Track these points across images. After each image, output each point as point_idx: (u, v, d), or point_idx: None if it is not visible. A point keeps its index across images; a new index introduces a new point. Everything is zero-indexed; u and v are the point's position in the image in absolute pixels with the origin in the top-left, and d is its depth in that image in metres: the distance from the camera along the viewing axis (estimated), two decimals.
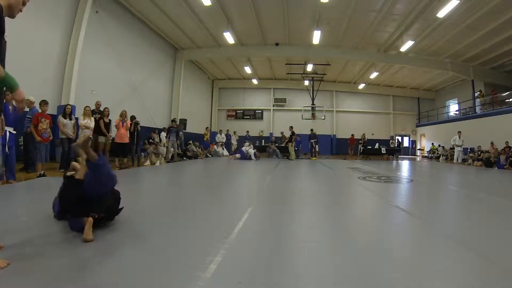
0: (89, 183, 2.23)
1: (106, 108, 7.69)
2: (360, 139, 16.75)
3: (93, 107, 7.58)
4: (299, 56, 15.76)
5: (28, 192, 4.00)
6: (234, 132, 17.67)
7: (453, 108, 19.83)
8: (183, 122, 15.15)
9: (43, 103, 5.66)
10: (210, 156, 13.98)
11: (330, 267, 1.76)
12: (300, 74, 17.96)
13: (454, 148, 13.89)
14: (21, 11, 1.87)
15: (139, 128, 8.51)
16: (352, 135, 18.00)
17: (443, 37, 12.64)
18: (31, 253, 1.80)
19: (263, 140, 19.02)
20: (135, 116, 8.58)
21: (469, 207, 3.94)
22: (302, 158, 14.48)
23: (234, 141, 17.01)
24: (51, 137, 5.78)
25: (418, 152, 22.02)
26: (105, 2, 9.93)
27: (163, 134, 10.92)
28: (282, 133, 15.88)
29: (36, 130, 5.42)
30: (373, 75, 18.04)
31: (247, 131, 18.42)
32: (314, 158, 14.36)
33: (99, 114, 7.50)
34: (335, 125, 21.94)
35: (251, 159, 12.61)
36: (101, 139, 7.34)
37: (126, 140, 7.88)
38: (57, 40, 8.27)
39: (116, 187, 2.59)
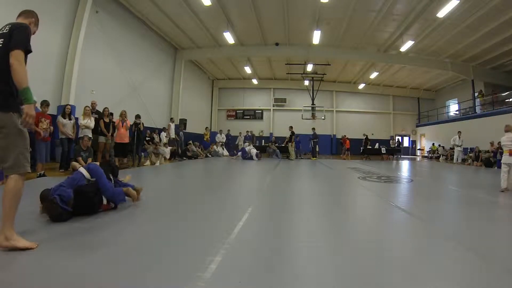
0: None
1: (106, 108, 7.68)
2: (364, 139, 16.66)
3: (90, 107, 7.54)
4: (299, 56, 15.76)
5: (28, 192, 3.99)
6: (240, 133, 17.49)
7: (453, 108, 19.83)
8: (183, 122, 15.15)
9: (44, 104, 5.67)
10: (210, 156, 13.98)
11: (330, 267, 1.76)
12: (300, 74, 17.96)
13: (454, 148, 13.89)
14: None
15: (142, 128, 8.50)
16: (344, 135, 17.95)
17: (443, 37, 12.64)
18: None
19: (263, 140, 18.99)
20: (139, 115, 8.58)
21: (469, 207, 3.94)
22: (302, 158, 14.48)
23: (240, 142, 16.79)
24: (51, 130, 5.79)
25: (418, 152, 22.02)
26: (105, 2, 9.93)
27: (163, 134, 10.94)
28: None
29: (37, 129, 5.43)
30: (373, 75, 18.03)
31: (251, 131, 18.28)
32: (314, 158, 14.36)
33: (96, 114, 7.47)
34: (335, 125, 21.95)
35: (252, 159, 12.59)
36: (101, 139, 7.34)
37: (126, 140, 7.88)
38: (57, 40, 8.26)
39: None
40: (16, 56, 1.92)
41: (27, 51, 2.03)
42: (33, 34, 2.21)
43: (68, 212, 2.53)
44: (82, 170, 2.95)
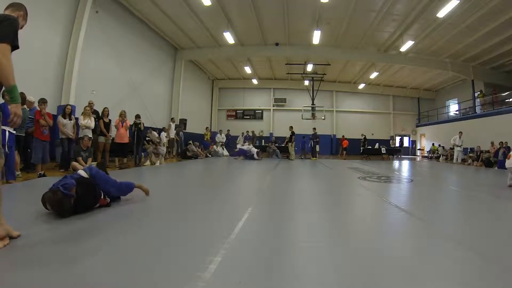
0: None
1: (105, 108, 7.68)
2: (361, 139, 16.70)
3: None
4: (299, 56, 15.76)
5: (28, 192, 4.00)
6: (242, 133, 17.51)
7: (453, 108, 19.84)
8: (183, 122, 15.16)
9: (41, 101, 5.66)
10: (210, 156, 13.98)
11: (330, 267, 1.76)
12: (300, 74, 17.97)
13: (454, 148, 13.89)
14: None
15: (143, 128, 8.49)
16: (343, 136, 18.02)
17: (443, 37, 12.64)
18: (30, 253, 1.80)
19: (263, 140, 19.01)
20: (139, 115, 8.58)
21: (469, 207, 3.94)
22: (302, 158, 14.46)
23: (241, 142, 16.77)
24: (50, 124, 5.78)
25: (418, 152, 22.02)
26: (105, 2, 9.93)
27: (163, 134, 10.94)
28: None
29: (37, 127, 5.44)
30: (373, 75, 18.04)
31: (252, 131, 18.32)
32: (314, 158, 14.36)
33: (93, 114, 7.46)
34: (335, 125, 21.95)
35: (253, 158, 12.57)
36: (101, 139, 7.34)
37: (126, 140, 7.88)
38: (57, 40, 8.27)
39: None
40: (2, 50, 1.79)
41: (14, 46, 1.89)
42: (21, 28, 2.11)
43: (71, 201, 2.51)
44: (82, 172, 2.96)
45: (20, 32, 2.12)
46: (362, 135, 16.99)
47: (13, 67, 1.85)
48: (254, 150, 12.90)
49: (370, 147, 16.14)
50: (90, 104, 7.68)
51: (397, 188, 5.35)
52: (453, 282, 1.60)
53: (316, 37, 12.70)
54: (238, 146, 14.18)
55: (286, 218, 2.98)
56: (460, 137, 13.38)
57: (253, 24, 12.54)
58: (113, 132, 7.87)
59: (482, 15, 10.43)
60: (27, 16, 2.22)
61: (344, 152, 16.18)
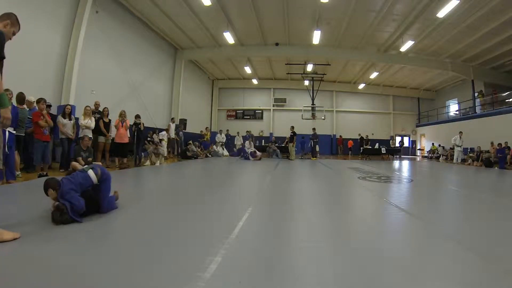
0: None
1: (105, 108, 7.68)
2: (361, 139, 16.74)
3: (92, 107, 7.58)
4: (299, 56, 15.77)
5: (28, 192, 4.00)
6: (238, 133, 17.61)
7: (453, 108, 19.84)
8: (183, 122, 15.16)
9: (42, 101, 5.66)
10: (210, 156, 13.98)
11: (330, 268, 1.76)
12: (300, 74, 17.98)
13: (454, 148, 13.89)
14: (10, 39, 2.27)
15: (143, 128, 8.49)
16: (340, 136, 18.04)
17: (443, 37, 12.64)
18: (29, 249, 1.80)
19: (263, 140, 19.02)
20: (139, 115, 8.58)
21: (469, 207, 3.94)
22: (302, 158, 14.45)
23: (238, 142, 16.84)
24: (50, 124, 5.77)
25: (418, 152, 22.03)
26: (105, 2, 9.93)
27: (164, 134, 10.95)
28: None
29: (36, 128, 5.43)
30: (373, 75, 18.04)
31: (249, 131, 18.36)
32: (314, 158, 14.35)
33: (98, 114, 7.49)
34: (335, 125, 21.95)
35: (249, 158, 12.54)
36: (101, 139, 7.34)
37: (126, 140, 7.88)
38: (57, 40, 8.27)
39: (116, 187, 2.78)
40: None
41: (1, 57, 2.08)
42: (14, 35, 2.27)
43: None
44: (92, 175, 2.77)
45: (20, 32, 2.16)
46: (359, 135, 16.98)
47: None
48: (249, 151, 12.86)
49: (370, 147, 16.15)
50: (96, 105, 7.70)
51: (397, 188, 5.35)
52: (453, 282, 1.60)
53: (316, 37, 12.70)
54: (242, 147, 14.16)
55: (286, 218, 2.98)
56: (460, 137, 13.37)
57: (253, 24, 12.54)
58: (113, 132, 7.87)
59: (482, 15, 10.44)
60: (18, 22, 2.31)
61: (350, 152, 16.16)
